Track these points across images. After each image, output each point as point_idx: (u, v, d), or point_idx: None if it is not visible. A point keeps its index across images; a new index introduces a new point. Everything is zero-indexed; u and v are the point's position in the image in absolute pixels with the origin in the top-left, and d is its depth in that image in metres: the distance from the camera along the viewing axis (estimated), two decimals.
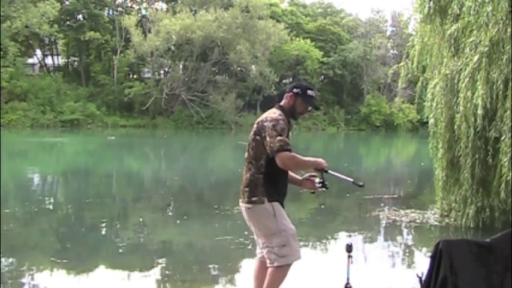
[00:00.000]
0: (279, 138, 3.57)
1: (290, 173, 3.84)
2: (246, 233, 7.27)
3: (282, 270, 3.67)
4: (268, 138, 3.61)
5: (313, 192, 3.91)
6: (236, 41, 50.85)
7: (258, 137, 3.72)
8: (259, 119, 3.83)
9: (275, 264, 3.66)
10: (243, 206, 3.79)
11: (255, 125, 3.80)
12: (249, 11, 51.95)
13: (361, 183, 3.89)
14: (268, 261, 3.71)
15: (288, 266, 3.70)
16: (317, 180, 3.81)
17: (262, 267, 3.82)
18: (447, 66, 7.61)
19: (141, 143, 33.22)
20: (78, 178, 15.40)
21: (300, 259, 3.76)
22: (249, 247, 6.64)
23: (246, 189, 3.76)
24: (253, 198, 3.70)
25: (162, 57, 52.89)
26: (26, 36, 47.57)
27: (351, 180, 3.83)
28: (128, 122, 50.62)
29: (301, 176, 3.94)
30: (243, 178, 3.81)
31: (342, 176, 3.85)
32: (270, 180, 3.70)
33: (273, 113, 3.80)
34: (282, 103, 3.92)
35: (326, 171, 3.76)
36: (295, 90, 3.89)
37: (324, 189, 3.78)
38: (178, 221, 8.90)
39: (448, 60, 7.65)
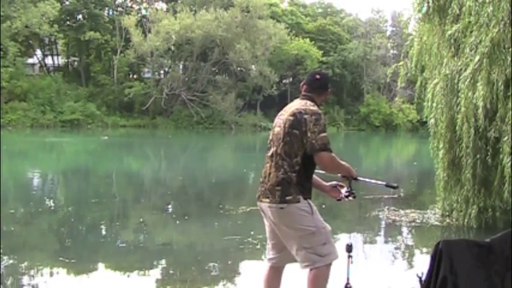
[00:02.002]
0: (322, 135, 3.33)
1: (315, 177, 3.60)
2: (252, 232, 7.29)
3: (325, 271, 3.43)
4: (309, 134, 3.33)
5: (339, 200, 3.67)
6: (236, 40, 50.89)
7: (295, 131, 3.37)
8: (294, 109, 3.45)
9: (317, 265, 3.39)
10: (272, 206, 3.42)
11: (290, 117, 3.43)
12: (249, 11, 51.97)
13: (395, 185, 3.74)
14: (306, 263, 3.42)
15: (329, 265, 3.46)
16: (343, 189, 3.60)
17: (275, 275, 3.62)
18: (447, 66, 7.61)
19: (140, 143, 33.24)
20: (78, 178, 15.40)
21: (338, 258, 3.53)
22: (258, 246, 6.68)
23: (277, 188, 3.40)
24: (288, 197, 3.38)
25: (162, 57, 52.92)
26: (26, 36, 47.59)
27: (383, 183, 3.69)
28: (127, 122, 50.65)
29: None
30: (268, 176, 3.47)
31: (373, 181, 3.72)
32: (303, 179, 3.44)
33: (311, 105, 3.47)
34: (312, 96, 3.57)
35: (356, 179, 3.56)
36: (329, 86, 3.74)
37: (351, 198, 3.58)
38: (177, 222, 8.90)
39: (448, 60, 7.65)
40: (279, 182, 3.40)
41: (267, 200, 3.45)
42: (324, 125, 3.40)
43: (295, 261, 3.58)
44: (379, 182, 3.71)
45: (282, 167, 3.40)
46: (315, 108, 3.46)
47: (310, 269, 3.43)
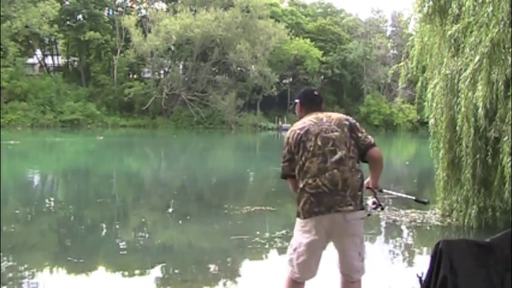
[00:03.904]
0: (369, 135, 3.50)
1: None
2: (258, 232, 7.30)
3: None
4: (360, 134, 3.44)
5: (368, 215, 3.54)
6: (236, 40, 50.93)
7: (354, 134, 3.43)
8: (340, 116, 3.51)
9: (363, 271, 3.52)
10: (357, 214, 3.32)
11: (345, 122, 3.45)
12: (249, 11, 52.01)
13: (425, 200, 3.67)
14: (361, 272, 3.49)
15: None
16: (370, 202, 3.51)
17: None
18: (447, 66, 7.61)
19: (141, 143, 33.25)
20: (78, 178, 15.39)
21: None
22: (266, 246, 6.71)
23: (359, 193, 3.33)
24: (363, 203, 3.38)
25: (162, 57, 52.98)
26: (26, 36, 47.68)
27: (413, 198, 3.65)
28: (127, 122, 50.70)
29: None
30: (345, 181, 3.30)
31: (401, 194, 3.66)
32: None
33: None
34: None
35: (381, 191, 3.50)
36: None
37: (379, 210, 3.51)
38: (180, 222, 8.89)
39: (448, 60, 7.65)
40: (360, 186, 3.36)
41: (351, 208, 3.29)
42: None
43: None
44: (408, 196, 3.64)
45: (359, 170, 3.38)
46: None
47: (354, 281, 3.47)
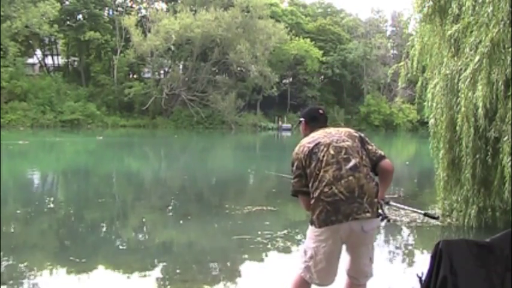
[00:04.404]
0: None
1: None
2: (259, 232, 7.30)
3: None
4: (370, 147, 3.47)
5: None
6: (236, 40, 50.95)
7: (365, 147, 3.46)
8: (349, 130, 3.56)
9: (371, 275, 3.54)
10: (370, 223, 3.30)
11: (354, 134, 3.51)
12: (249, 11, 52.03)
13: (436, 216, 3.73)
14: (369, 276, 3.52)
15: None
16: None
17: None
18: (447, 66, 7.61)
19: (141, 143, 33.25)
20: (79, 178, 15.40)
21: None
22: (268, 246, 6.70)
23: (375, 200, 3.32)
24: (378, 212, 3.39)
25: (162, 57, 53.00)
26: (26, 36, 47.71)
27: (421, 212, 3.68)
28: (127, 122, 50.72)
29: None
30: (361, 188, 3.27)
31: (410, 208, 3.69)
32: None
33: None
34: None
35: (388, 203, 3.49)
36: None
37: (386, 221, 3.48)
38: (181, 221, 8.89)
39: (448, 60, 7.65)
40: (376, 193, 3.33)
41: (368, 215, 3.27)
42: None
43: None
44: (417, 210, 3.67)
45: (373, 178, 3.38)
46: None
47: (360, 284, 3.52)
